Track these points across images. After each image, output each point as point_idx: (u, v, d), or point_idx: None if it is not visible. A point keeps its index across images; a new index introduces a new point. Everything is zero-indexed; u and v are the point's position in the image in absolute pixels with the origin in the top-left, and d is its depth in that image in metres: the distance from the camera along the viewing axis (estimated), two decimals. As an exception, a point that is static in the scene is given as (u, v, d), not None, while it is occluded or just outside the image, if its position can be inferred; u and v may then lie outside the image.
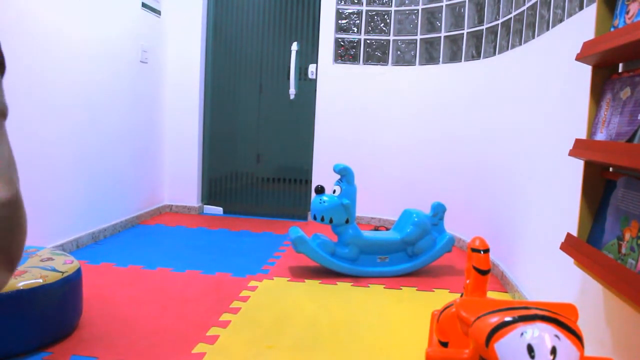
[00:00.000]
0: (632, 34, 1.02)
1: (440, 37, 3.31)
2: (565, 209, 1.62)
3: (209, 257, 2.65)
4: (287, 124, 3.84)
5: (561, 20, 1.83)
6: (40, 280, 1.51)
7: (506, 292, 2.26)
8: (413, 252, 2.50)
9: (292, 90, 3.66)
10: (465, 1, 3.11)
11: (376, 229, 3.36)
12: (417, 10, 3.42)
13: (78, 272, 1.69)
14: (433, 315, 1.34)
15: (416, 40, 3.44)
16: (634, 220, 1.09)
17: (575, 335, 0.81)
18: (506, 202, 2.39)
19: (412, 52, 3.47)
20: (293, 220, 3.71)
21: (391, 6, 3.51)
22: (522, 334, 0.80)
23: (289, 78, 3.66)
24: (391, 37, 3.53)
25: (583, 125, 1.38)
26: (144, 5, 3.22)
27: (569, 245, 1.29)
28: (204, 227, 3.34)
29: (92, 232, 2.80)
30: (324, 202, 2.36)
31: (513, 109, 2.37)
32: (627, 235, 1.10)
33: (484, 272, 1.22)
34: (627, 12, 1.16)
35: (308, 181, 3.81)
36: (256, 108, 3.82)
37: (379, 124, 3.57)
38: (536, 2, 2.16)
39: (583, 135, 1.36)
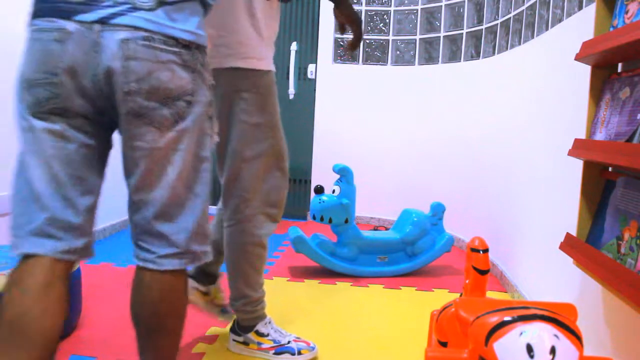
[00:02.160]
0: (631, 34, 1.02)
1: (439, 37, 3.31)
2: (564, 209, 1.62)
3: (208, 257, 2.64)
4: (286, 123, 3.81)
5: (560, 20, 1.83)
6: (40, 280, 1.51)
7: (505, 292, 2.26)
8: (412, 252, 2.50)
9: (292, 90, 3.66)
10: (464, 1, 3.11)
11: (375, 228, 3.36)
12: (417, 10, 3.42)
13: (77, 272, 1.69)
14: (432, 315, 1.34)
15: (415, 40, 3.45)
16: (633, 220, 1.09)
17: (574, 334, 0.81)
18: (505, 202, 2.39)
19: (412, 52, 3.48)
20: (292, 220, 3.71)
21: (390, 6, 3.51)
22: (521, 333, 0.80)
23: (288, 78, 3.66)
24: (390, 37, 3.53)
25: (582, 125, 1.38)
26: (143, 5, 3.22)
27: (568, 245, 1.29)
28: (203, 227, 3.34)
29: (92, 232, 2.80)
30: (324, 201, 2.36)
31: (512, 108, 2.38)
32: (627, 235, 1.10)
33: (483, 272, 1.23)
34: (627, 12, 1.16)
35: (307, 181, 3.81)
36: (255, 108, 3.83)
37: (378, 124, 3.57)
38: (535, 2, 2.16)
39: (582, 135, 1.37)
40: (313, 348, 1.57)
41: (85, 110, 0.93)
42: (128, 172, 0.99)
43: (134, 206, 0.99)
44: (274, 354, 1.54)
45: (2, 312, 0.89)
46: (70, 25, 0.88)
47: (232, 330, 1.58)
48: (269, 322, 1.59)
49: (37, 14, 0.91)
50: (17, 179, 0.95)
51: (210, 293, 1.64)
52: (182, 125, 0.95)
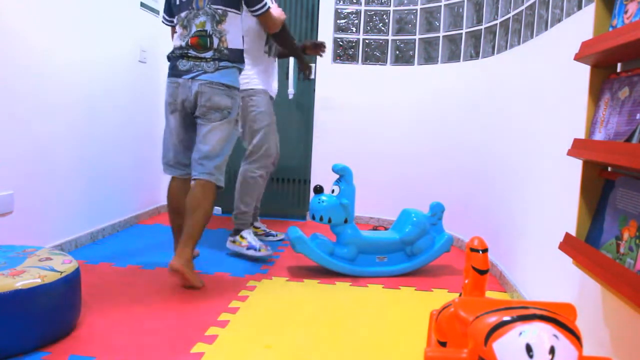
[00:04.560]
0: (630, 34, 1.02)
1: (439, 36, 3.31)
2: (563, 209, 1.62)
3: (208, 256, 2.64)
4: (285, 123, 3.83)
5: (560, 20, 1.83)
6: (39, 280, 1.51)
7: (505, 292, 2.27)
8: (412, 252, 2.50)
9: (291, 90, 3.66)
10: (463, 1, 3.11)
11: (375, 228, 3.36)
12: (416, 10, 3.42)
13: (77, 271, 1.69)
14: (432, 315, 1.34)
15: (415, 40, 3.45)
16: (633, 219, 1.09)
17: (573, 334, 0.81)
18: (505, 202, 2.39)
19: (411, 52, 3.48)
20: (292, 220, 3.72)
21: (390, 6, 3.51)
22: (520, 333, 0.80)
23: (287, 78, 3.66)
24: (390, 37, 3.53)
25: (581, 125, 1.38)
26: (142, 4, 3.22)
27: (568, 245, 1.29)
28: (202, 226, 3.33)
29: (91, 232, 2.80)
30: (323, 201, 2.36)
31: (511, 108, 2.38)
32: (626, 235, 1.10)
33: (482, 272, 1.23)
34: (626, 12, 1.16)
35: (307, 181, 3.81)
36: (255, 108, 3.83)
37: (378, 124, 3.57)
38: (535, 2, 2.16)
39: (581, 135, 1.37)
40: (269, 249, 2.61)
41: (187, 112, 2.22)
42: (197, 138, 2.22)
43: (196, 152, 2.20)
44: (247, 249, 2.60)
45: (169, 203, 2.31)
46: (180, 80, 2.19)
47: (230, 234, 2.71)
48: (251, 233, 2.68)
49: (169, 75, 2.23)
50: (164, 139, 2.30)
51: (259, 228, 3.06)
52: (223, 121, 2.20)
